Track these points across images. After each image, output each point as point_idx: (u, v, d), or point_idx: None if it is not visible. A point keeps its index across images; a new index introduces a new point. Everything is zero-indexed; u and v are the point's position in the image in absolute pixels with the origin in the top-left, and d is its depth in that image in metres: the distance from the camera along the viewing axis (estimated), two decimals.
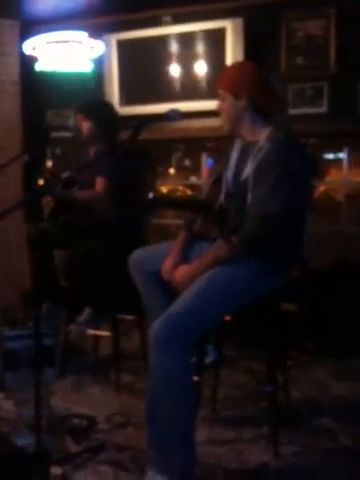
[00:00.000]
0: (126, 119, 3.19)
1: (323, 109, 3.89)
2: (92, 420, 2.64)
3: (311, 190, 2.52)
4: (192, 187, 4.57)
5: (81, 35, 4.03)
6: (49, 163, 4.88)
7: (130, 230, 3.14)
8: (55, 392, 2.97)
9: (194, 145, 4.42)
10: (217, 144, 4.21)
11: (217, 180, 2.46)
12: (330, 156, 4.16)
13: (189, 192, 4.59)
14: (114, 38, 4.33)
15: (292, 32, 3.92)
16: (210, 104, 2.80)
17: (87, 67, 4.21)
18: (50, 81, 4.43)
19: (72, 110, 3.94)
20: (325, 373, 3.23)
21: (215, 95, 2.39)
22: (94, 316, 3.39)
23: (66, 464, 2.24)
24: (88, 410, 2.77)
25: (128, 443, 2.44)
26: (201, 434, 2.37)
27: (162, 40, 4.22)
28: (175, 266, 2.34)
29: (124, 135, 2.91)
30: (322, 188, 4.14)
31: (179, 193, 4.65)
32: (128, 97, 4.37)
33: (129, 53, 4.32)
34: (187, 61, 4.19)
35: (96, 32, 4.20)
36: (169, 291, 2.35)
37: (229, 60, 3.94)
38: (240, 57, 3.92)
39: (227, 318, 2.38)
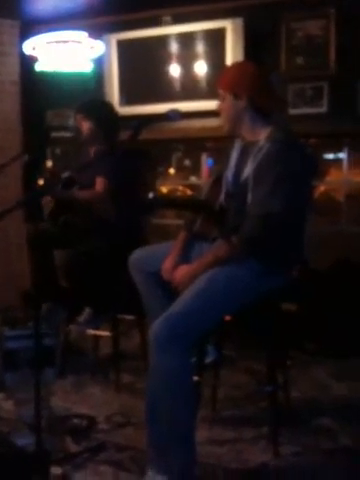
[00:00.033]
0: (126, 119, 3.19)
1: (323, 109, 3.89)
2: (92, 420, 2.64)
3: (311, 190, 2.52)
4: (192, 187, 4.57)
5: (81, 35, 4.03)
6: (49, 163, 4.88)
7: (130, 230, 3.14)
8: (55, 392, 2.97)
9: (194, 145, 4.42)
10: (217, 144, 4.21)
11: (217, 180, 2.46)
12: (330, 156, 4.16)
13: (189, 192, 4.59)
14: (114, 38, 4.33)
15: (292, 32, 3.92)
16: (210, 104, 2.80)
17: (87, 67, 4.21)
18: (50, 81, 4.43)
19: (72, 110, 3.94)
20: (325, 373, 3.23)
21: (215, 95, 2.39)
22: (94, 316, 3.39)
23: (66, 464, 2.24)
24: (88, 410, 2.77)
25: (128, 443, 2.44)
26: (201, 434, 2.37)
27: (162, 40, 4.22)
28: (175, 266, 2.34)
29: (124, 135, 2.91)
30: (322, 188, 4.14)
31: (179, 193, 4.65)
32: (128, 97, 4.37)
33: (129, 53, 4.32)
34: (187, 61, 4.19)
35: (96, 32, 4.20)
36: (169, 291, 2.35)
37: (229, 60, 3.94)
38: (240, 57, 3.92)
39: (227, 318, 2.38)
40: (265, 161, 2.16)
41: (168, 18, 4.22)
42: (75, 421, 2.62)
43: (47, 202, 3.23)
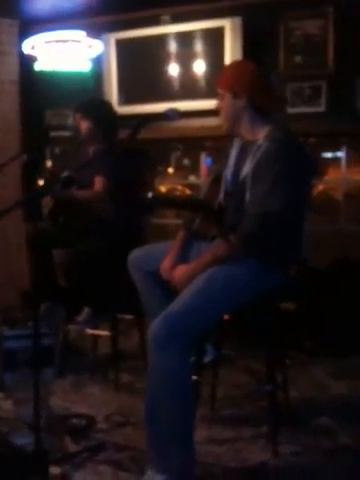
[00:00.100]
0: (125, 118, 3.19)
1: (321, 108, 3.88)
2: (91, 420, 2.64)
3: (310, 189, 2.52)
4: (191, 186, 4.57)
5: (80, 34, 4.03)
6: (49, 163, 4.88)
7: (129, 229, 3.14)
8: (54, 392, 2.97)
9: (193, 144, 4.42)
10: (216, 143, 4.21)
11: (216, 179, 2.47)
12: (328, 155, 4.16)
13: (188, 191, 4.59)
14: (113, 37, 4.33)
15: (290, 31, 3.91)
16: (209, 103, 2.80)
17: (86, 66, 4.21)
18: (49, 80, 4.43)
19: (71, 109, 3.94)
20: (324, 372, 3.23)
21: (214, 94, 2.39)
22: (93, 316, 3.39)
23: (65, 464, 2.24)
24: (87, 410, 2.77)
25: (127, 443, 2.44)
26: (200, 433, 2.38)
27: (161, 39, 4.22)
28: (174, 265, 2.34)
29: (123, 134, 2.90)
30: (320, 187, 4.14)
31: (178, 192, 4.65)
32: (127, 96, 4.37)
33: (128, 52, 4.32)
34: (186, 60, 4.18)
35: (95, 31, 4.20)
36: (168, 290, 2.35)
37: (228, 59, 3.93)
38: (239, 56, 3.91)
39: (226, 317, 2.38)
40: (264, 160, 2.16)
41: (167, 17, 4.21)
42: (74, 421, 2.62)
43: (46, 202, 3.23)
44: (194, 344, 2.26)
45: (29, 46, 4.08)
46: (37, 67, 4.18)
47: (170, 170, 4.68)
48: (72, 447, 2.40)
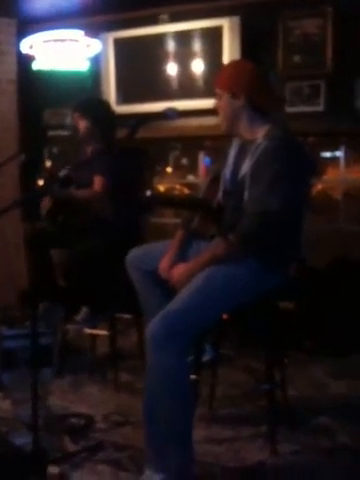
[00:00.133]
0: (123, 117, 3.19)
1: (320, 107, 3.88)
2: (90, 419, 2.64)
3: (309, 188, 2.52)
4: (189, 186, 4.57)
5: (78, 34, 4.03)
6: (47, 163, 4.87)
7: (128, 229, 3.14)
8: (53, 391, 2.97)
9: (191, 144, 4.42)
10: (214, 143, 4.21)
11: (215, 179, 2.46)
12: (327, 154, 4.16)
13: (186, 191, 4.59)
14: (111, 36, 4.33)
15: (289, 30, 3.91)
16: (207, 102, 2.80)
17: (84, 66, 4.21)
18: (47, 80, 4.42)
19: (69, 109, 3.93)
20: (323, 372, 3.22)
21: (212, 93, 2.38)
22: (92, 315, 3.39)
23: (64, 463, 2.23)
24: (86, 409, 2.76)
25: (126, 442, 2.43)
26: (199, 433, 2.37)
27: (159, 38, 4.21)
28: (172, 265, 2.34)
29: (121, 133, 2.90)
30: (319, 186, 4.14)
31: (176, 192, 4.65)
32: (125, 95, 4.37)
33: (126, 51, 4.32)
34: (184, 59, 4.18)
35: (93, 30, 4.19)
36: (166, 290, 2.35)
37: (226, 58, 3.93)
38: (237, 55, 3.91)
39: (225, 316, 2.37)
40: (263, 159, 2.15)
41: (165, 16, 4.21)
42: (73, 420, 2.62)
43: (45, 201, 3.22)
44: (193, 343, 2.26)
45: (27, 45, 4.07)
46: (35, 66, 4.17)
47: (168, 169, 4.68)
48: (71, 447, 2.40)
